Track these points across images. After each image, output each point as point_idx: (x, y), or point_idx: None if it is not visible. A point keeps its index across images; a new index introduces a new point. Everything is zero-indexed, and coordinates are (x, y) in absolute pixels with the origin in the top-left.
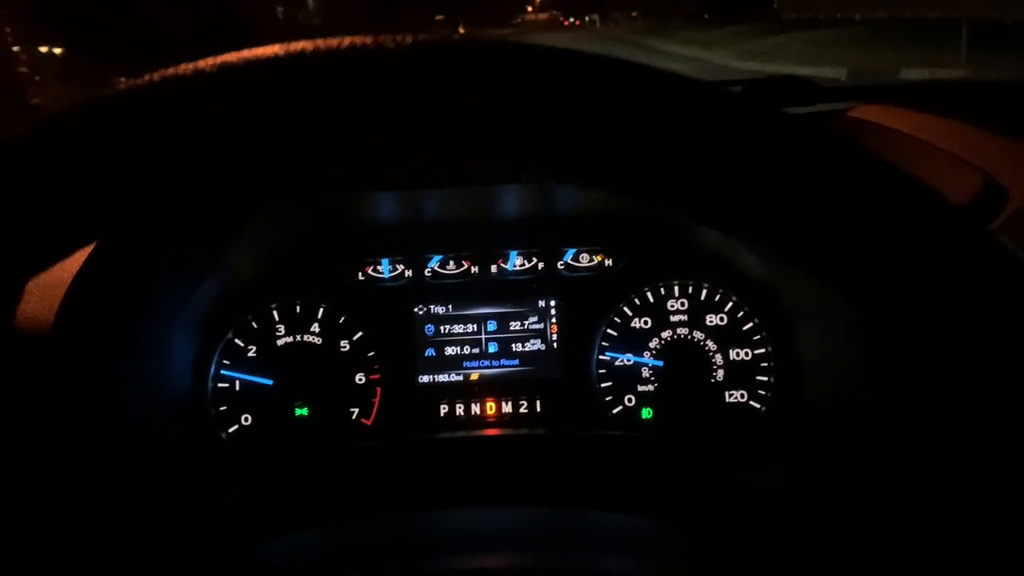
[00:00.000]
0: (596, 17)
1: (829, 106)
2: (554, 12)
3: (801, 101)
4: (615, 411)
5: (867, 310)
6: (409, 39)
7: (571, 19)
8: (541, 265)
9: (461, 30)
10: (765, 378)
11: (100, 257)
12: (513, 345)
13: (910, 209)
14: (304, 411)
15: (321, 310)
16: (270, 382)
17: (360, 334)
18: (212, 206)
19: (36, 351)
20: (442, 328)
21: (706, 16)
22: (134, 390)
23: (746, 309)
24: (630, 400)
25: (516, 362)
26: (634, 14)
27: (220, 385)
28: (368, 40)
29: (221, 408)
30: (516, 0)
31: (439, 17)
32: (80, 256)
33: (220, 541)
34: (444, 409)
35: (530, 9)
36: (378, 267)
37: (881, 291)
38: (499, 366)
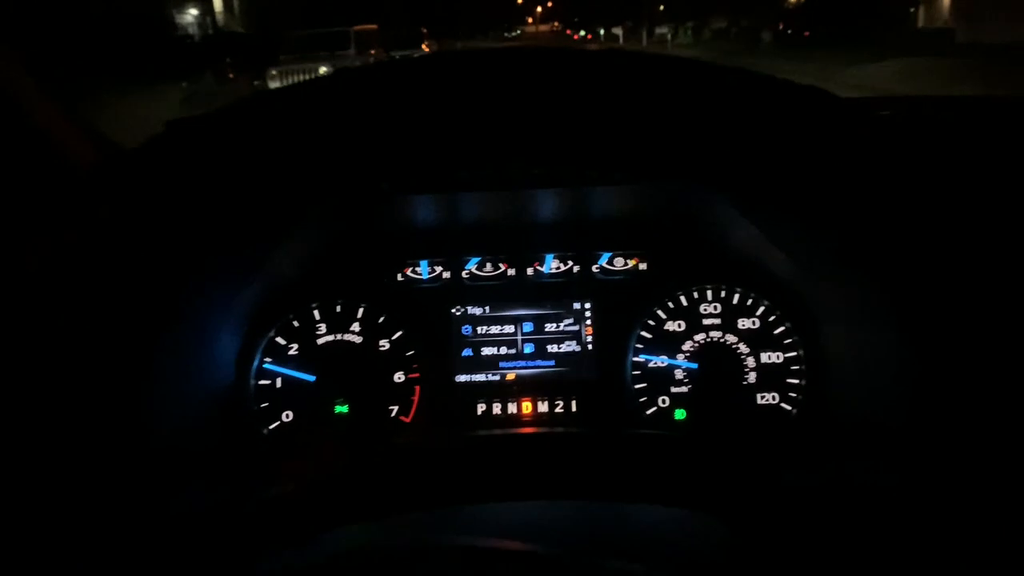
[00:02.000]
0: (620, 32)
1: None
2: (555, 24)
3: None
4: (649, 412)
5: (899, 298)
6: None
7: (581, 32)
8: (576, 268)
9: (425, 47)
10: (796, 381)
11: (153, 255)
12: (549, 346)
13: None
14: (344, 408)
15: (361, 310)
16: (312, 378)
17: (399, 333)
18: (267, 209)
19: (89, 347)
20: (479, 329)
21: (806, 34)
22: (181, 387)
23: (777, 313)
24: (664, 401)
25: (552, 363)
26: (662, 30)
27: (262, 382)
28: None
29: (263, 405)
30: (516, 9)
31: (424, 30)
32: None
33: (265, 537)
34: (481, 408)
35: (530, 20)
36: (417, 269)
37: (915, 280)
38: (535, 367)
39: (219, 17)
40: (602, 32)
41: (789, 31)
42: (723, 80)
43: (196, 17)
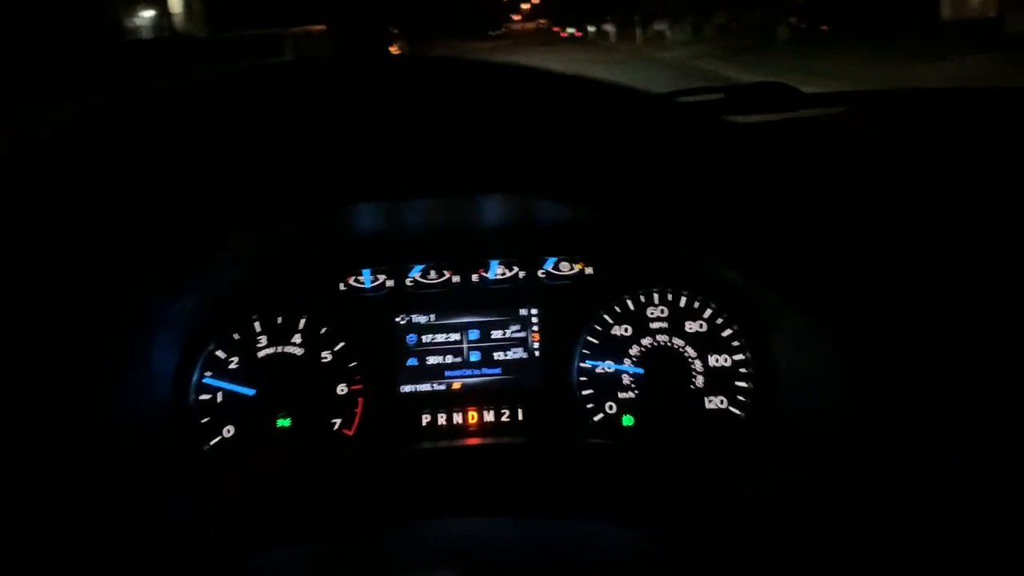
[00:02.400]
0: (611, 29)
1: (812, 112)
2: (541, 21)
3: (783, 107)
4: (596, 418)
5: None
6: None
7: (570, 31)
8: (522, 274)
9: (394, 48)
10: (744, 384)
11: (83, 265)
12: (495, 354)
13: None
14: (286, 422)
15: (303, 321)
16: (252, 392)
17: (342, 344)
18: (197, 219)
19: (19, 358)
20: (424, 337)
21: (823, 28)
22: (116, 402)
23: (724, 316)
24: (611, 407)
25: (498, 371)
26: (660, 26)
27: (202, 397)
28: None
29: (203, 420)
30: (501, 7)
31: (394, 31)
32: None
33: (203, 555)
34: (426, 419)
35: (517, 17)
36: (359, 278)
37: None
38: (481, 375)
39: (177, 19)
40: (591, 28)
41: (803, 25)
42: (581, 93)
43: (151, 19)
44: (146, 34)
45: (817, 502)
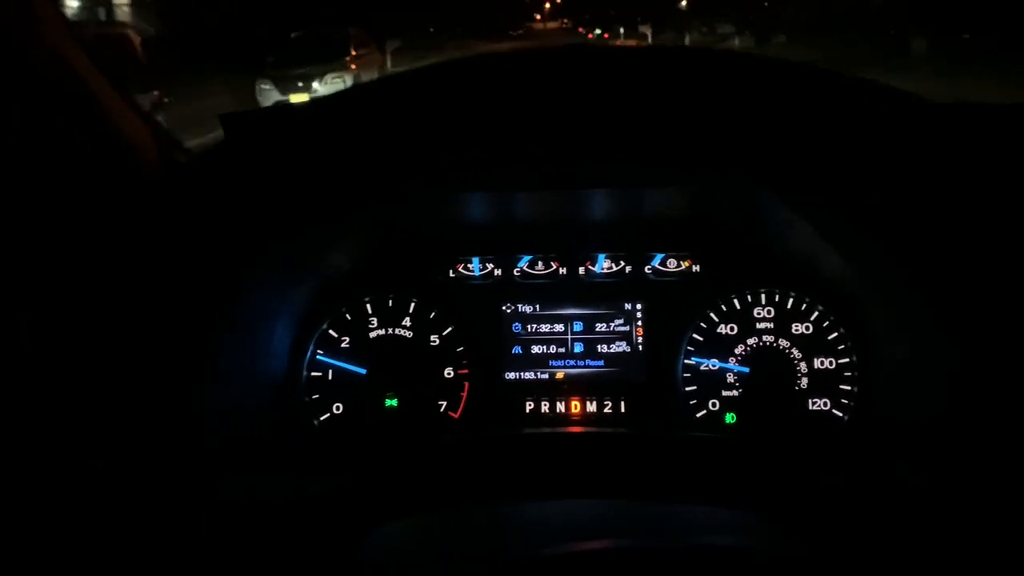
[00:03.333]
0: (648, 31)
1: None
2: (564, 21)
3: None
4: (699, 415)
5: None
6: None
7: (597, 31)
8: (628, 268)
9: (351, 61)
10: (848, 387)
11: (212, 248)
12: (599, 346)
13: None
14: (394, 402)
15: (413, 305)
16: (363, 371)
17: (450, 329)
18: (324, 208)
19: (150, 336)
20: (529, 327)
21: (964, 36)
22: (238, 374)
23: (831, 318)
24: (714, 404)
25: (601, 363)
26: (726, 28)
27: (314, 374)
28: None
29: (314, 396)
30: (522, 6)
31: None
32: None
33: (317, 530)
34: (530, 406)
35: (538, 17)
36: (469, 265)
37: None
38: (584, 366)
39: (121, 11)
40: (622, 30)
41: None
42: (783, 76)
43: (81, 9)
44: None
45: (915, 501)
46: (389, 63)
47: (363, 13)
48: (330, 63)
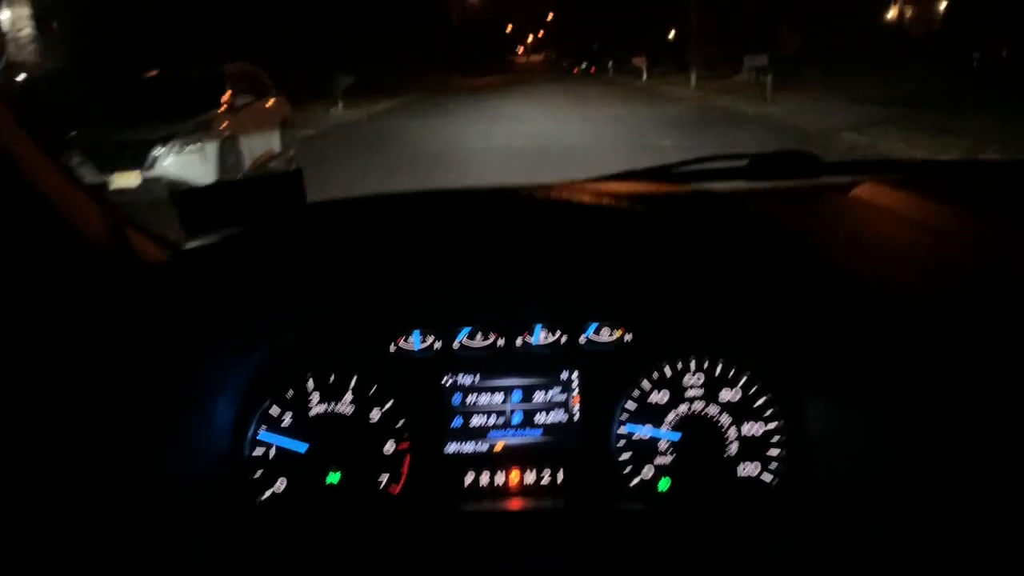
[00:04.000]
0: (642, 64)
1: (832, 179)
2: (548, 53)
3: (805, 174)
4: (633, 482)
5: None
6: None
7: (583, 65)
8: (564, 339)
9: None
10: (776, 451)
11: (165, 328)
12: (537, 415)
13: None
14: (335, 478)
15: (354, 380)
16: (304, 447)
17: (391, 403)
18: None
19: (99, 412)
20: (468, 399)
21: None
22: (179, 458)
23: (759, 384)
24: (648, 471)
25: (539, 432)
26: (758, 60)
27: (256, 452)
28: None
29: (256, 474)
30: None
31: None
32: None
33: None
34: (470, 478)
35: (521, 50)
36: (409, 339)
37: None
38: (523, 436)
39: (19, 41)
40: (611, 64)
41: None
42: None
43: None
44: None
45: (850, 556)
46: (340, 107)
47: (314, 42)
48: (186, 121)
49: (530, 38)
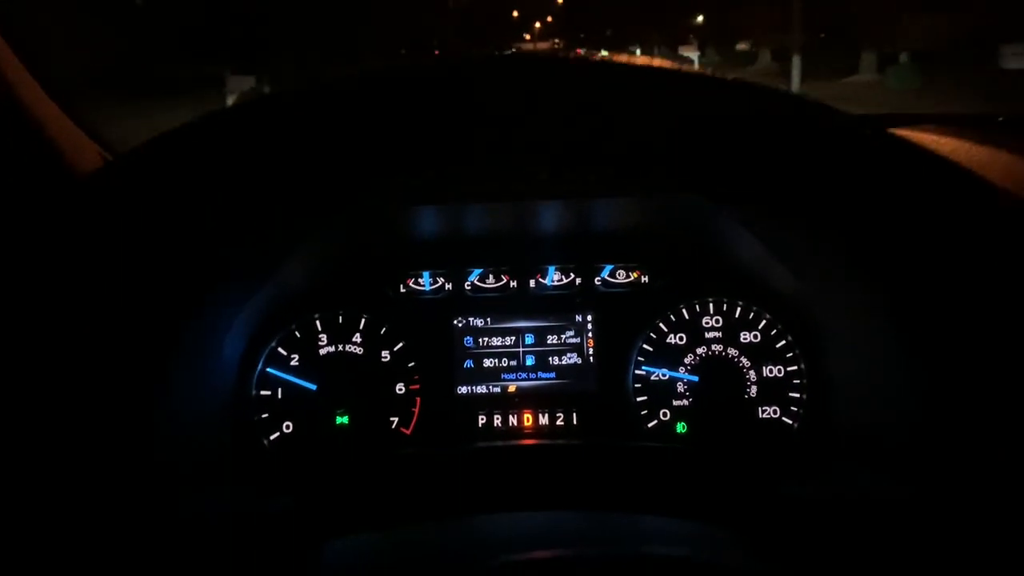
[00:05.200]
0: (693, 55)
1: None
2: (556, 42)
3: None
4: (650, 425)
5: (906, 309)
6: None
7: (603, 53)
8: (579, 280)
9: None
10: (797, 395)
11: (163, 267)
12: (550, 358)
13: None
14: (345, 419)
15: (363, 321)
16: (313, 387)
17: (401, 345)
18: (278, 223)
19: (107, 346)
20: (481, 340)
21: None
22: (186, 395)
23: (779, 327)
24: (665, 414)
25: (553, 375)
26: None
27: (263, 392)
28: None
29: (263, 415)
30: (511, 26)
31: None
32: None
33: (268, 548)
34: (482, 420)
35: (528, 37)
36: (419, 280)
37: (923, 288)
38: (536, 379)
39: None
40: (638, 51)
41: None
42: (729, 93)
43: None
44: None
45: (873, 507)
46: None
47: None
48: None
49: (538, 24)
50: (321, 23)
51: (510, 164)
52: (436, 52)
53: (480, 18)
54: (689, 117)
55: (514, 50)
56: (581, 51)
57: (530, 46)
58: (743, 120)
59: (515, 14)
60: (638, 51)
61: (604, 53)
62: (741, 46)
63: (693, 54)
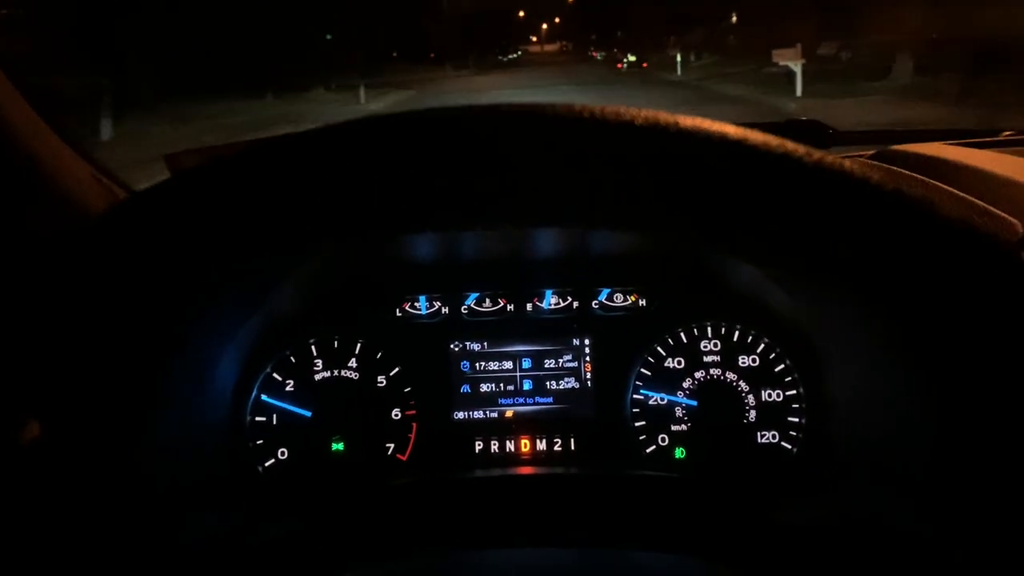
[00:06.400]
0: (795, 61)
1: (842, 150)
2: (564, 44)
3: (815, 144)
4: (648, 450)
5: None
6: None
7: (631, 58)
8: (576, 304)
9: None
10: (796, 419)
11: (153, 295)
12: (548, 383)
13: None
14: (340, 446)
15: (359, 346)
16: (308, 414)
17: (397, 370)
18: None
19: (94, 376)
20: (477, 365)
21: None
22: (180, 420)
23: (778, 350)
24: (663, 439)
25: (550, 400)
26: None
27: (258, 418)
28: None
29: (258, 442)
30: (517, 28)
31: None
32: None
33: None
34: (479, 446)
35: (534, 39)
36: (416, 304)
37: (923, 321)
38: (533, 403)
39: None
40: (679, 58)
41: None
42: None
43: None
44: None
45: (874, 533)
46: None
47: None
48: None
49: (546, 26)
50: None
51: (500, 216)
52: (432, 56)
53: (483, 20)
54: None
55: (518, 54)
56: (597, 54)
57: (537, 48)
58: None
59: (521, 14)
60: (677, 56)
61: (631, 58)
62: (823, 50)
63: (794, 63)
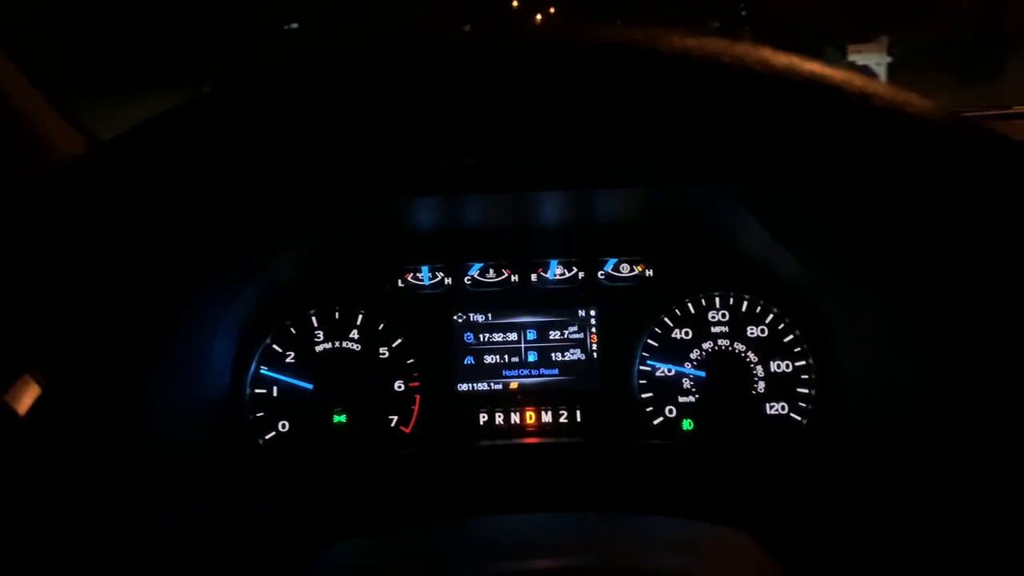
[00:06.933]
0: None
1: None
2: None
3: None
4: (656, 422)
5: (918, 298)
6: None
7: None
8: (581, 274)
9: None
10: (806, 390)
11: (149, 261)
12: (553, 354)
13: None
14: (342, 418)
15: (360, 317)
16: (309, 387)
17: (399, 341)
18: (264, 212)
19: (84, 353)
20: (481, 336)
21: None
22: (177, 394)
23: (787, 321)
24: (671, 411)
25: (556, 371)
26: None
27: (258, 391)
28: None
29: (259, 414)
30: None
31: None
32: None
33: (260, 552)
34: (483, 418)
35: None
36: (418, 274)
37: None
38: (538, 375)
39: None
40: None
41: None
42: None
43: None
44: None
45: (888, 503)
46: None
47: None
48: None
49: (539, 16)
50: None
51: (508, 143)
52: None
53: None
54: (692, 96)
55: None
56: None
57: None
58: (752, 97)
59: (515, 4)
60: None
61: None
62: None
63: (877, 59)
